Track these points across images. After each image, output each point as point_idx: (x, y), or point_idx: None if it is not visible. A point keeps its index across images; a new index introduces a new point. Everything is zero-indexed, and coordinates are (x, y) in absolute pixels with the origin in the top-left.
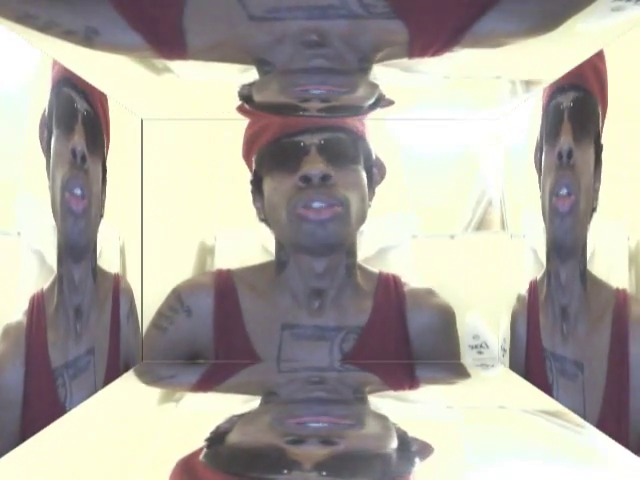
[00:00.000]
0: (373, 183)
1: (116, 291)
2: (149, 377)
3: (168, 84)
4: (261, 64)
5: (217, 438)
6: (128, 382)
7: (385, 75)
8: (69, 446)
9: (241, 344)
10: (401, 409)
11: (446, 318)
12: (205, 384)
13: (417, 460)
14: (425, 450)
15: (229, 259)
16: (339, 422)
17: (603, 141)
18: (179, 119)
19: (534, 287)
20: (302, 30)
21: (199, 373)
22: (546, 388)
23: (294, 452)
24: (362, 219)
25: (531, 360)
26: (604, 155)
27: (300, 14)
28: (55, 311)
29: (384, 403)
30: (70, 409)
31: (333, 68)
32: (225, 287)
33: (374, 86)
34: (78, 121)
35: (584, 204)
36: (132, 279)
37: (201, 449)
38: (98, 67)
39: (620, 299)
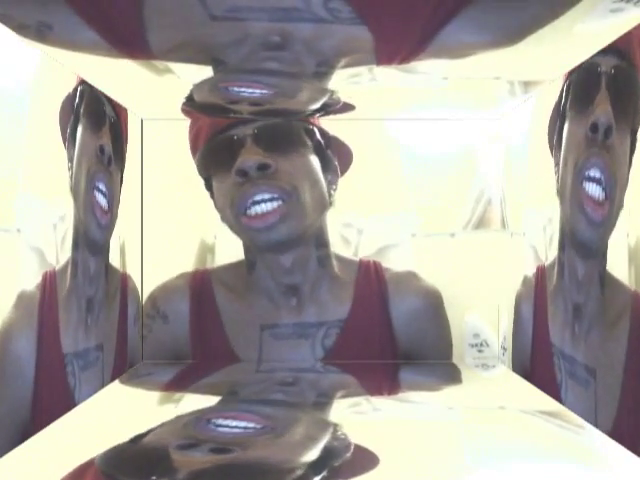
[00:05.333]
0: (330, 165)
1: (124, 291)
2: (125, 376)
3: (168, 84)
4: (216, 64)
5: (136, 438)
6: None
7: (384, 75)
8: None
9: (221, 347)
10: (401, 409)
11: (432, 301)
12: (175, 384)
13: (324, 476)
14: (356, 466)
15: (229, 258)
16: (259, 425)
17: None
18: (179, 119)
19: (543, 272)
20: (264, 32)
21: (173, 373)
22: (553, 389)
23: (177, 458)
24: (322, 205)
25: (537, 355)
26: None
27: (263, 15)
28: (68, 295)
29: (383, 403)
30: (79, 401)
31: (281, 72)
32: (201, 289)
33: (323, 91)
34: (106, 124)
35: (617, 201)
36: (132, 279)
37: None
38: (98, 67)
39: (639, 303)
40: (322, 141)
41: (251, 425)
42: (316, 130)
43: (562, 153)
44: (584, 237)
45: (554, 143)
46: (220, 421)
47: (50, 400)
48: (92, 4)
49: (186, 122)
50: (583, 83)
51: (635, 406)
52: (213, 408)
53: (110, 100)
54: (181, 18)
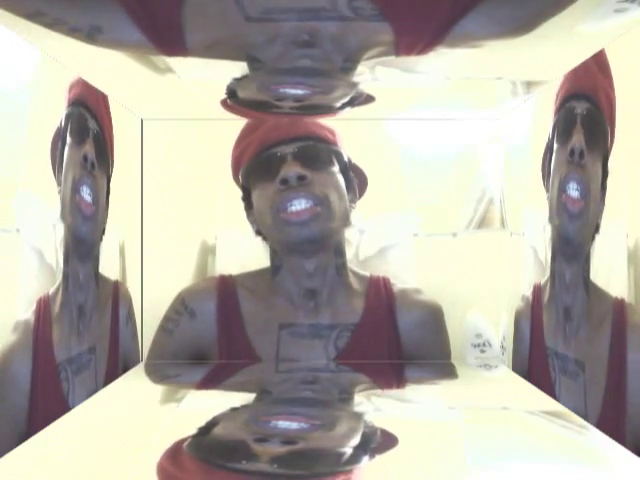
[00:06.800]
0: (352, 186)
1: (116, 297)
2: (156, 376)
3: (168, 84)
4: (252, 61)
5: (205, 430)
6: (136, 380)
7: (385, 75)
8: (74, 443)
9: (242, 344)
10: (402, 409)
11: (433, 314)
12: (208, 382)
13: (368, 456)
14: (385, 445)
15: (230, 258)
16: (310, 423)
17: (610, 167)
18: (179, 119)
19: (538, 290)
20: (294, 30)
21: (202, 372)
22: (548, 386)
23: (256, 448)
24: (345, 219)
25: (534, 358)
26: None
27: (293, 16)
28: (60, 309)
29: (384, 403)
30: (72, 403)
31: (316, 69)
32: (226, 291)
33: (352, 85)
34: (89, 136)
35: (592, 209)
36: (132, 279)
37: (186, 438)
38: (98, 67)
39: (618, 308)
40: (347, 163)
41: (303, 423)
42: (343, 153)
43: (551, 178)
44: (568, 236)
45: (545, 174)
46: (276, 422)
47: (45, 408)
48: (141, 5)
49: (186, 122)
50: (564, 122)
51: (617, 398)
52: (262, 408)
53: (93, 115)
54: (217, 19)
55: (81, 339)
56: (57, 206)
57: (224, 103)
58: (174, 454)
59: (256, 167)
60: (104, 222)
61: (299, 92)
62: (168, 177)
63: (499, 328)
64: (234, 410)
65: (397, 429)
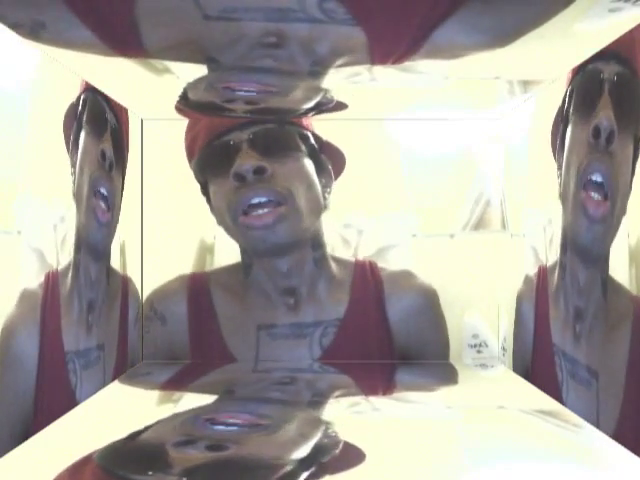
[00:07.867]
0: (324, 169)
1: (125, 293)
2: (124, 376)
3: (168, 84)
4: (211, 62)
5: (133, 435)
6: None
7: (385, 75)
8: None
9: (218, 348)
10: (400, 409)
11: (427, 299)
12: (175, 383)
13: (312, 473)
14: (344, 463)
15: (228, 258)
16: (254, 424)
17: None
18: (179, 119)
19: (544, 273)
20: (260, 32)
21: (172, 373)
22: (554, 386)
23: (172, 454)
24: (318, 209)
25: (539, 354)
26: None
27: (258, 16)
28: (69, 295)
29: (383, 404)
30: (80, 397)
31: (277, 69)
32: (199, 291)
33: (317, 90)
34: (108, 130)
35: (619, 207)
36: (132, 278)
37: (105, 446)
38: (98, 68)
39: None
40: (316, 145)
41: (246, 423)
42: (310, 135)
43: (565, 157)
44: (586, 241)
45: (557, 147)
46: (216, 419)
47: (51, 396)
48: (85, 2)
49: (186, 122)
50: (585, 88)
51: (638, 408)
52: (210, 407)
53: (111, 107)
54: (174, 17)
55: (90, 334)
56: (58, 206)
57: (176, 107)
58: (82, 464)
59: (208, 158)
60: (117, 222)
61: (250, 93)
62: (168, 177)
63: (498, 329)
64: (190, 410)
65: (393, 428)
